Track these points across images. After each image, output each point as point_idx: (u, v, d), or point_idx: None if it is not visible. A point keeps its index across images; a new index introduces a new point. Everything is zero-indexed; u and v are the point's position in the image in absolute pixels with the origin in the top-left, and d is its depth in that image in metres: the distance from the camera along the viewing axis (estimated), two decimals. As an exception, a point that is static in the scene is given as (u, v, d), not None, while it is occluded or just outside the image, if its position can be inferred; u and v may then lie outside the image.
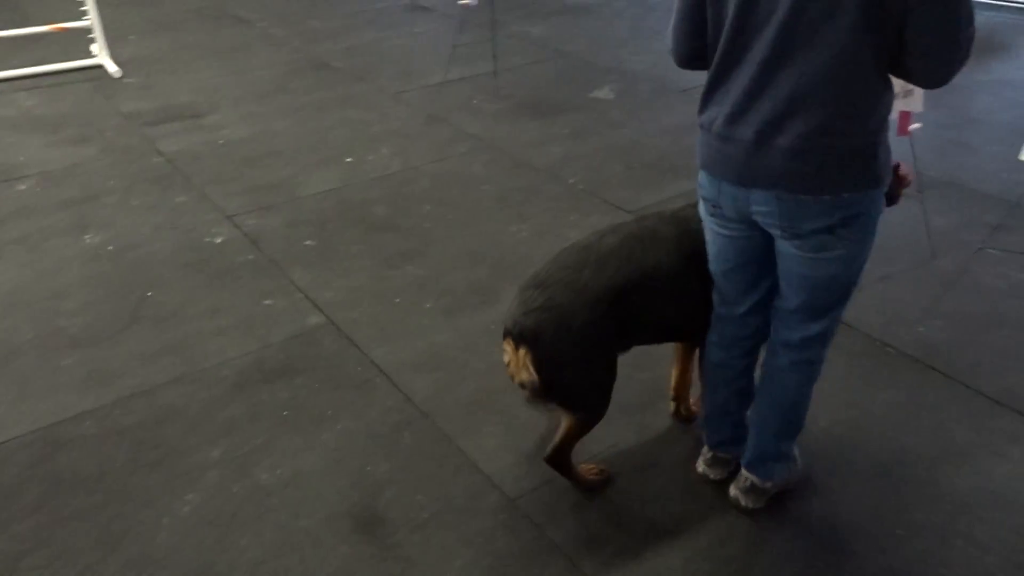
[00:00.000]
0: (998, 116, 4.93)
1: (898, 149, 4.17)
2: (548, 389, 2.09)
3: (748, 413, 2.29)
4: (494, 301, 3.20)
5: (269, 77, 5.65)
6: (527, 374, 2.07)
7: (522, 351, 2.06)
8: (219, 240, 3.64)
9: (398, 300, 3.22)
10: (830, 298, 1.99)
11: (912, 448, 2.50)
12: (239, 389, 2.75)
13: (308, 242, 3.62)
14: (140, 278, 3.36)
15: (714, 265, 2.11)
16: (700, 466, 2.38)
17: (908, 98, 3.08)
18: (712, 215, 2.00)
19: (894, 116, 3.06)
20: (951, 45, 1.65)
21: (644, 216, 2.31)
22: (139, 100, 5.22)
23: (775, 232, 1.89)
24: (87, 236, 3.67)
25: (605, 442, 2.47)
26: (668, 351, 2.51)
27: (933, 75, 1.71)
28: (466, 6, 5.11)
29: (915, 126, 3.09)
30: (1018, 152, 2.85)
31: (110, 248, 3.58)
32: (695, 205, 2.18)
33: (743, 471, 2.28)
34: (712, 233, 2.05)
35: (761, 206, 1.85)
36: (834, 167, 1.76)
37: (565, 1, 7.50)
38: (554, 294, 2.07)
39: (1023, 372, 2.81)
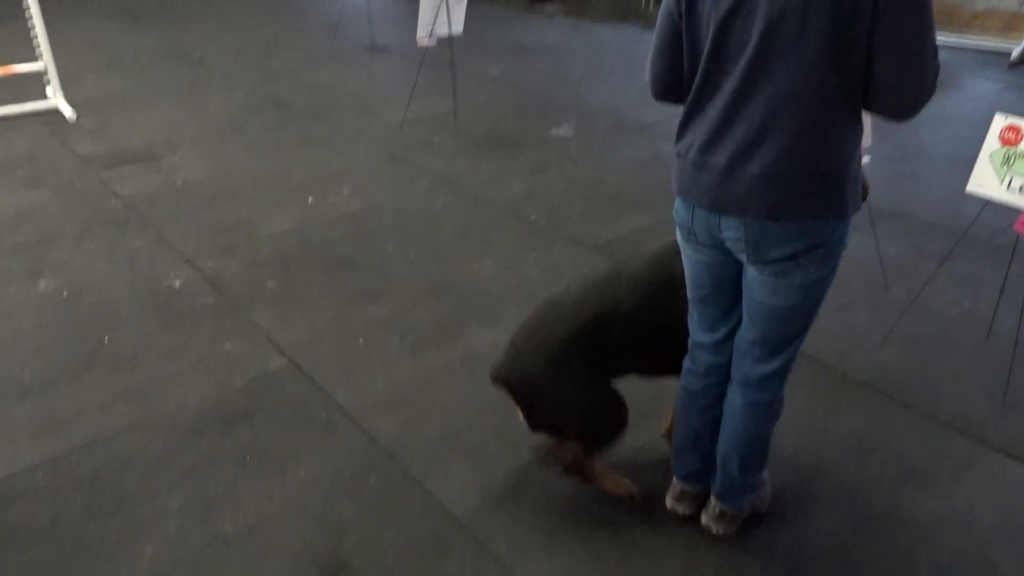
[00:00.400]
0: (943, 149, 5.10)
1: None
2: (535, 426, 2.37)
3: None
4: (458, 338, 3.20)
5: (227, 117, 5.63)
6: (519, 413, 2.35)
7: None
8: (178, 283, 3.59)
9: (361, 340, 3.20)
10: (789, 330, 2.02)
11: (874, 474, 2.53)
12: (199, 435, 2.70)
13: (269, 283, 3.59)
14: (96, 323, 3.30)
15: (691, 291, 2.15)
16: (669, 501, 2.38)
17: (857, 132, 3.17)
18: (687, 240, 2.05)
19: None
20: (918, 79, 1.71)
21: (625, 259, 2.41)
22: (95, 142, 5.16)
23: (742, 257, 1.94)
24: (41, 281, 3.60)
25: (559, 485, 2.47)
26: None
27: (900, 108, 1.75)
28: (424, 47, 5.16)
29: (865, 159, 3.18)
30: (964, 182, 2.96)
31: (65, 293, 3.50)
32: (673, 243, 2.27)
33: (712, 499, 2.29)
34: (688, 259, 2.09)
35: (731, 231, 1.89)
36: (799, 193, 1.80)
37: (522, 41, 7.62)
38: (519, 343, 2.32)
39: (976, 397, 2.88)
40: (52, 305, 3.42)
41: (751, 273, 1.96)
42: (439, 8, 5.01)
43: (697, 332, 2.20)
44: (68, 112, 5.53)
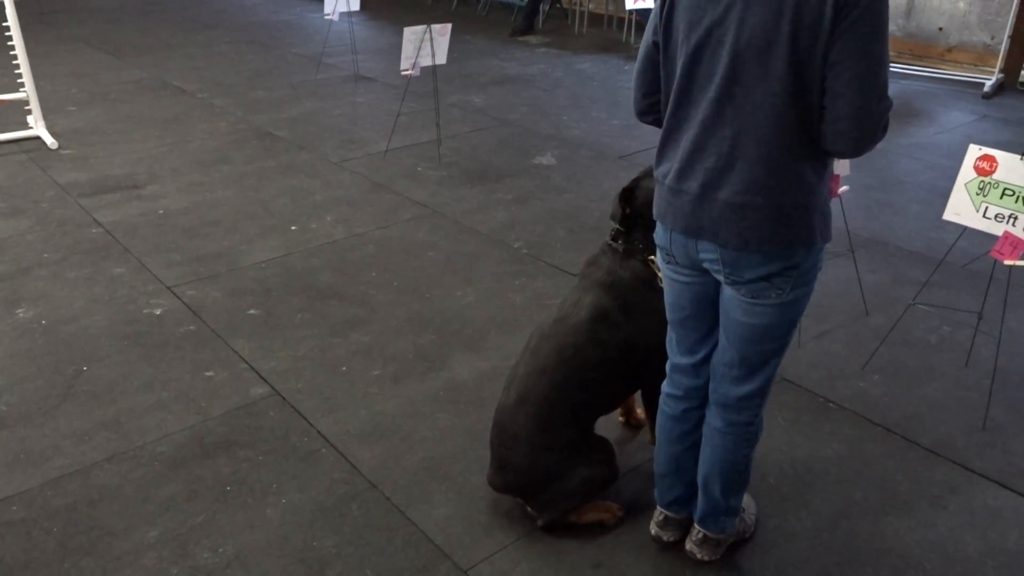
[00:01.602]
0: (919, 177, 5.18)
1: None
2: (541, 510, 2.39)
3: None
4: (441, 367, 3.19)
5: (210, 147, 5.63)
6: None
7: None
8: (158, 312, 3.56)
9: (344, 368, 3.18)
10: (766, 348, 2.03)
11: (857, 501, 2.54)
12: (178, 465, 2.66)
13: (251, 311, 3.57)
14: (75, 353, 3.26)
15: (671, 314, 2.17)
16: (653, 528, 2.37)
17: (836, 161, 3.22)
18: (667, 263, 2.08)
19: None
20: (871, 115, 1.74)
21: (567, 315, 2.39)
22: (76, 171, 5.14)
23: (720, 278, 1.96)
24: (19, 310, 3.55)
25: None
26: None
27: (851, 143, 1.77)
28: (408, 76, 5.20)
29: (843, 188, 3.23)
30: (940, 211, 3.00)
31: (43, 322, 3.46)
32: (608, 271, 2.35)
33: (695, 525, 2.29)
34: (668, 281, 2.12)
35: (707, 253, 1.94)
36: (767, 224, 1.83)
37: (505, 72, 7.70)
38: (498, 449, 2.38)
39: (957, 423, 2.90)
40: (30, 334, 3.37)
41: (728, 292, 1.99)
42: (423, 39, 5.06)
43: (676, 355, 2.22)
44: (50, 141, 5.51)
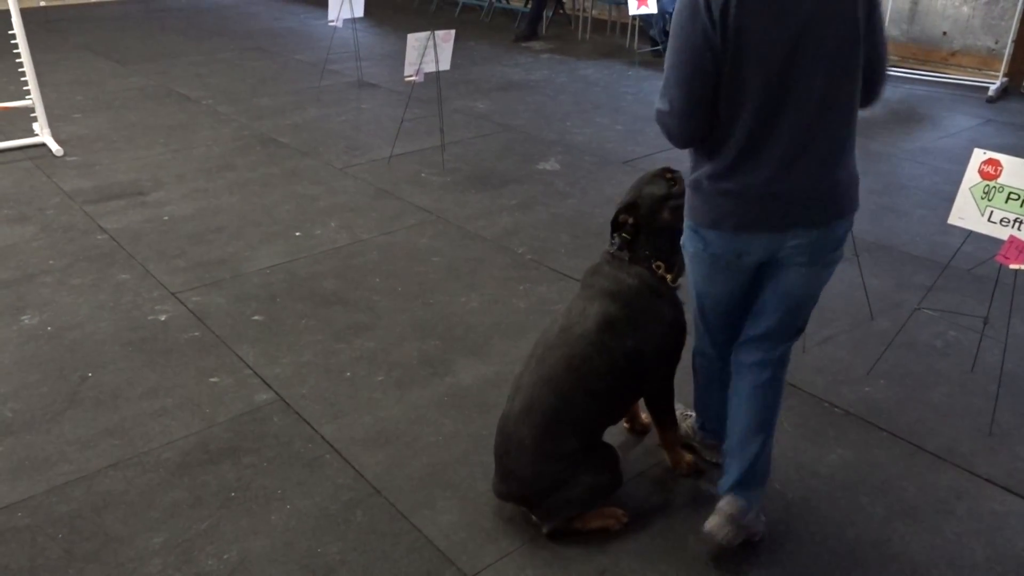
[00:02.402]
0: (924, 182, 5.18)
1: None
2: (548, 518, 2.36)
3: (726, 444, 2.35)
4: (445, 373, 3.18)
5: (214, 154, 5.65)
6: None
7: None
8: (163, 318, 3.57)
9: (348, 374, 3.18)
10: (806, 314, 2.26)
11: (863, 507, 2.52)
12: (183, 471, 2.66)
13: (256, 317, 3.57)
14: (79, 359, 3.26)
15: (710, 316, 2.34)
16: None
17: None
18: (723, 269, 2.16)
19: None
20: (886, 59, 2.06)
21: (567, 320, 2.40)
22: (81, 178, 5.15)
23: (800, 260, 2.09)
24: (24, 317, 3.56)
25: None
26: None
27: (877, 91, 2.06)
28: (412, 82, 5.22)
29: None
30: (944, 215, 3.00)
31: (48, 329, 3.47)
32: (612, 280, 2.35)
33: (723, 500, 2.27)
34: (716, 284, 2.22)
35: (797, 240, 2.05)
36: (849, 194, 2.07)
37: (508, 78, 7.71)
38: (503, 458, 2.38)
39: (963, 428, 2.89)
40: (35, 341, 3.38)
41: (794, 272, 2.12)
42: (427, 46, 5.08)
43: (706, 346, 2.43)
44: (55, 148, 5.53)
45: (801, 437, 2.83)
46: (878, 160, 5.56)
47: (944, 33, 7.87)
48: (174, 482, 2.61)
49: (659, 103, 2.02)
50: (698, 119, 1.97)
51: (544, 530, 2.36)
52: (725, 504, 2.26)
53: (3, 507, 2.51)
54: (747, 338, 2.29)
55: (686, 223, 2.19)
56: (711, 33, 1.85)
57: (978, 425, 2.90)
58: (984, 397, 3.04)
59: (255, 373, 3.18)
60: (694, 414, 2.69)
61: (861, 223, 4.46)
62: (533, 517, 2.40)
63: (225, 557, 2.32)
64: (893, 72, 7.66)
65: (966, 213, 2.88)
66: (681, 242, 2.24)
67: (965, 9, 7.68)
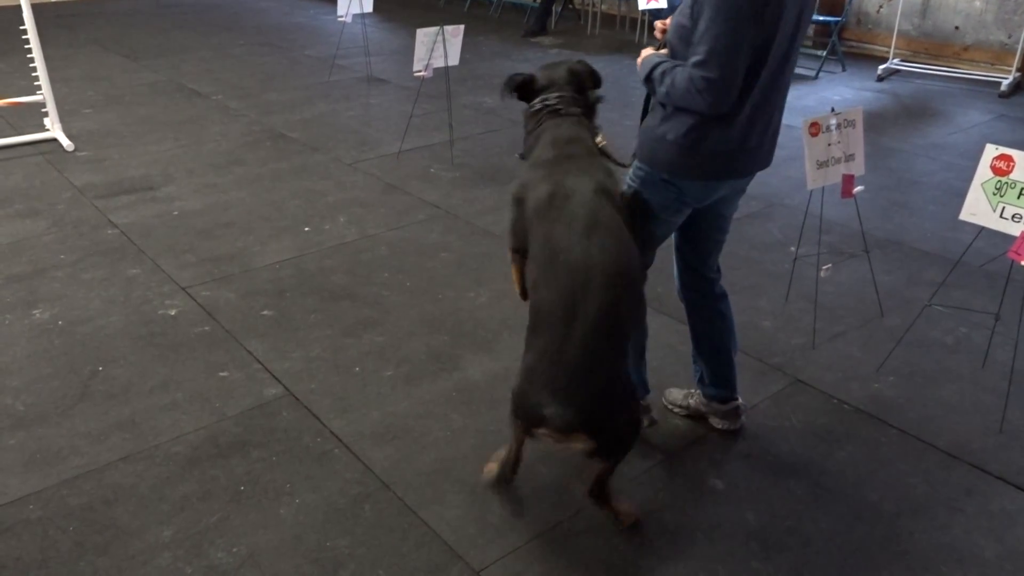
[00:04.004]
0: (935, 178, 5.14)
1: (843, 211, 4.33)
2: (608, 452, 2.26)
3: (704, 355, 2.75)
4: (453, 368, 3.19)
5: (224, 149, 5.67)
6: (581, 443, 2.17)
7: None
8: (173, 312, 3.58)
9: (357, 369, 3.19)
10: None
11: (873, 504, 2.52)
12: (193, 465, 2.68)
13: (265, 312, 3.59)
14: (90, 353, 3.28)
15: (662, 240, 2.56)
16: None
17: (851, 162, 3.20)
18: (679, 211, 2.44)
19: (837, 180, 3.19)
20: None
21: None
22: (92, 173, 5.18)
23: (739, 195, 2.53)
24: (36, 311, 3.59)
25: (556, 515, 2.45)
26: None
27: None
28: (421, 77, 5.21)
29: (858, 189, 3.21)
30: (956, 211, 2.98)
31: (60, 323, 3.49)
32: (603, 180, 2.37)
33: (715, 404, 2.78)
34: (671, 225, 2.49)
35: (748, 183, 2.50)
36: None
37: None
38: (563, 390, 2.09)
39: (973, 425, 2.87)
40: (46, 335, 3.40)
41: (731, 206, 2.55)
42: (435, 41, 5.07)
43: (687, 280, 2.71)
44: (66, 143, 5.55)
45: (810, 434, 2.83)
46: (889, 156, 5.53)
47: (956, 28, 7.81)
48: (184, 476, 2.63)
49: (705, 71, 2.12)
50: (738, 85, 2.16)
51: (608, 465, 2.27)
52: (728, 405, 2.76)
53: (15, 500, 2.53)
54: (712, 271, 2.66)
55: (656, 176, 2.39)
56: (759, 2, 2.08)
57: (988, 422, 2.88)
58: (995, 394, 3.02)
59: (264, 368, 3.19)
60: (696, 388, 2.87)
61: (872, 219, 4.44)
62: (593, 456, 2.22)
63: (234, 550, 2.34)
64: (905, 67, 7.62)
65: (978, 209, 2.86)
66: (641, 195, 2.43)
67: (978, 4, 7.62)
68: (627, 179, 2.49)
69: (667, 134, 2.31)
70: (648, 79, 2.30)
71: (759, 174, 2.49)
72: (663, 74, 2.24)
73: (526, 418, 2.17)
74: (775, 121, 2.38)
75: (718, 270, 2.70)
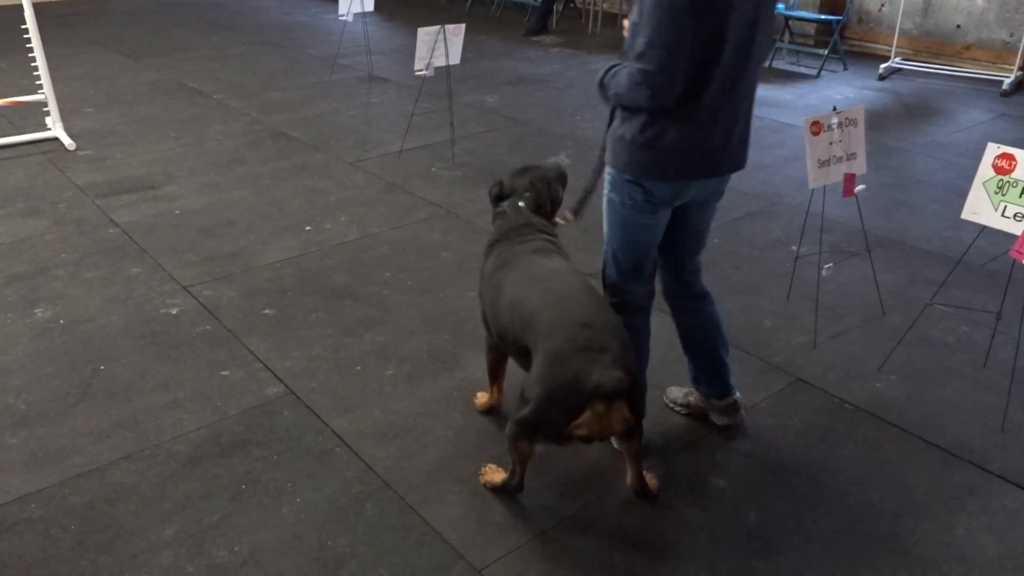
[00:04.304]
0: (936, 176, 5.14)
1: (845, 210, 4.32)
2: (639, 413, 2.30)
3: (695, 362, 2.78)
4: (455, 367, 3.19)
5: (226, 148, 5.67)
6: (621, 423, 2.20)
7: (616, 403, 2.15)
8: (175, 311, 3.58)
9: (358, 368, 3.19)
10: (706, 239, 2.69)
11: (873, 503, 2.52)
12: (194, 464, 2.68)
13: (266, 311, 3.59)
14: (92, 352, 3.29)
15: (638, 255, 2.55)
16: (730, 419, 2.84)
17: (852, 161, 3.20)
18: (654, 212, 2.44)
19: (838, 179, 3.19)
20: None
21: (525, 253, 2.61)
22: (93, 172, 5.18)
23: (715, 200, 2.54)
24: (37, 310, 3.59)
25: (558, 514, 2.45)
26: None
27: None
28: (422, 76, 5.21)
29: (860, 187, 3.21)
30: (957, 210, 2.98)
31: (61, 322, 3.50)
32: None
33: (713, 401, 2.78)
34: (646, 228, 2.49)
35: (721, 184, 2.50)
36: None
37: (518, 72, 7.70)
38: (600, 347, 2.17)
39: (975, 424, 2.87)
40: (48, 334, 3.41)
41: (709, 209, 2.57)
42: (437, 40, 5.07)
43: (632, 285, 2.60)
44: (67, 142, 5.56)
45: (811, 433, 2.83)
46: (891, 154, 5.53)
47: (958, 26, 7.81)
48: (185, 474, 2.63)
49: (642, 63, 2.15)
50: (679, 78, 2.16)
51: (636, 449, 2.38)
52: (727, 401, 2.77)
53: (17, 498, 2.53)
54: (688, 274, 2.68)
55: (622, 178, 2.42)
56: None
57: (990, 421, 2.88)
58: (996, 393, 3.02)
59: (266, 367, 3.19)
60: (692, 387, 2.87)
61: (873, 218, 4.43)
62: (629, 435, 2.30)
63: (236, 549, 2.34)
64: (906, 65, 7.61)
65: (979, 208, 2.86)
66: (607, 198, 2.52)
67: (979, 2, 7.62)
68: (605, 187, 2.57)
69: (625, 133, 2.36)
70: (601, 84, 2.36)
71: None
72: (613, 76, 2.30)
73: (567, 407, 2.14)
74: (742, 121, 2.36)
75: (695, 271, 2.71)
